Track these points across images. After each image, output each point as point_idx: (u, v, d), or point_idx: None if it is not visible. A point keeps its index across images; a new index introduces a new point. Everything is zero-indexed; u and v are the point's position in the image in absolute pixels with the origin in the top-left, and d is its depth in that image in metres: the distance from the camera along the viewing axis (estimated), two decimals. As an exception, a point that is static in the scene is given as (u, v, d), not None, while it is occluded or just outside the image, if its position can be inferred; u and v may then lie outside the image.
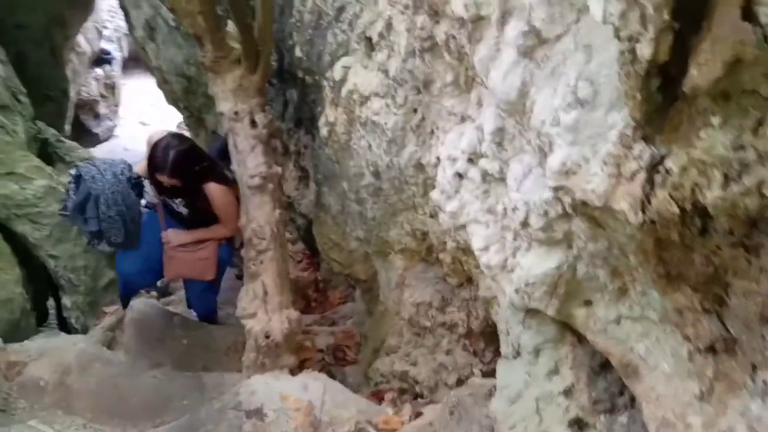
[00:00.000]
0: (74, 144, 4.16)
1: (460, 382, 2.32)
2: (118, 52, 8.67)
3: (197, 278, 3.02)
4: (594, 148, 1.05)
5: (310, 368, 2.83)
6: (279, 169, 2.58)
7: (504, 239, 1.62)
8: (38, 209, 2.78)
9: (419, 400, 2.43)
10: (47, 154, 3.78)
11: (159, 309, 2.98)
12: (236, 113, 2.54)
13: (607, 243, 1.26)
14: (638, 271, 1.22)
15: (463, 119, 1.69)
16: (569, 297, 1.49)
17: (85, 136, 7.73)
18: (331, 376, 2.89)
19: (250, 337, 2.28)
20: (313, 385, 2.16)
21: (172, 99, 5.60)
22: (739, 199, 0.83)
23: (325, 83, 2.42)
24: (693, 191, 0.87)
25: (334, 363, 2.99)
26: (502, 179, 1.57)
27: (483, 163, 1.62)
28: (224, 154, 2.80)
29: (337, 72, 2.25)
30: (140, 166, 2.87)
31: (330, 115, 2.31)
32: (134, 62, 8.74)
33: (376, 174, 2.22)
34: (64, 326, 3.09)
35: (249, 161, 2.49)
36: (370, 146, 2.16)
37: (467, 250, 1.91)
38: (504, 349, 1.85)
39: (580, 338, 1.59)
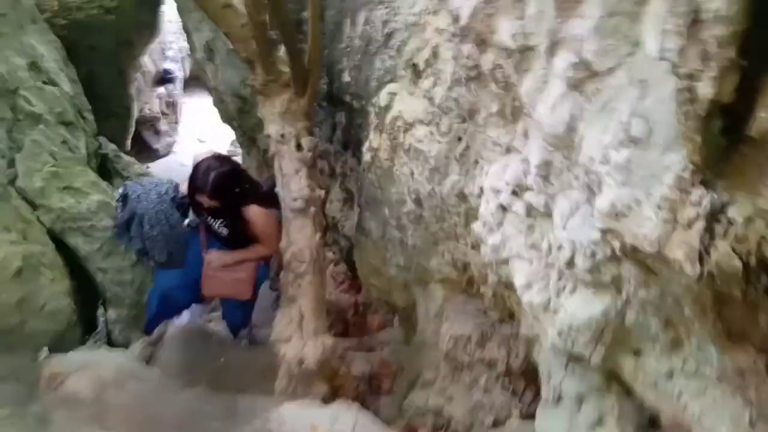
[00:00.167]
0: (132, 159, 4.33)
1: (497, 423, 2.21)
2: (180, 72, 9.06)
3: (234, 297, 3.03)
4: (647, 190, 0.97)
5: (345, 396, 2.78)
6: (322, 193, 2.58)
7: (548, 278, 1.53)
8: (91, 223, 2.89)
9: (454, 438, 2.33)
10: (106, 168, 3.96)
11: (199, 327, 3.01)
12: (282, 136, 2.57)
13: (661, 291, 1.17)
14: (694, 324, 1.11)
15: (509, 150, 1.63)
16: (617, 345, 1.39)
17: (145, 151, 8.08)
18: (365, 405, 2.82)
19: (283, 363, 2.26)
20: (345, 416, 2.11)
21: (227, 118, 5.78)
22: (815, 258, 0.74)
23: (370, 109, 2.41)
24: (759, 245, 0.78)
25: (369, 392, 2.92)
26: (548, 214, 1.49)
27: (528, 196, 1.55)
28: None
29: (382, 98, 2.24)
30: (185, 186, 2.93)
31: (374, 141, 2.30)
32: (195, 81, 9.11)
33: (418, 201, 2.17)
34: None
35: (292, 184, 2.50)
36: (412, 173, 2.12)
37: (509, 285, 1.83)
38: (545, 392, 1.74)
39: (628, 389, 1.48)
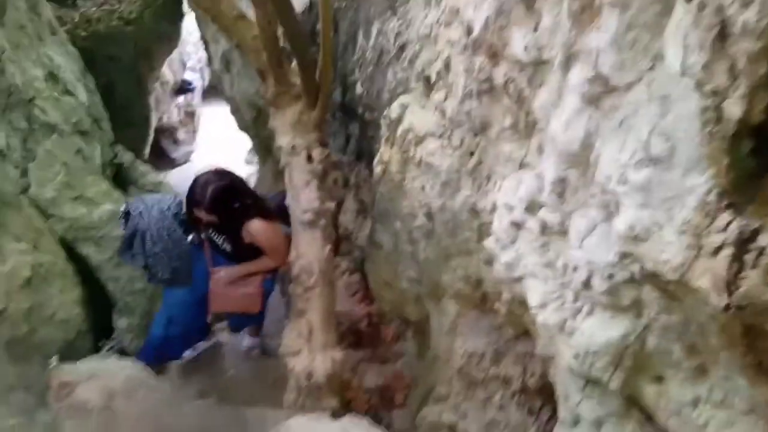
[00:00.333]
0: (147, 168, 4.36)
1: (512, 443, 2.13)
2: (199, 82, 9.15)
3: (245, 312, 2.97)
4: (669, 213, 0.91)
5: (356, 409, 2.72)
6: (332, 205, 2.54)
7: (564, 298, 1.47)
8: (103, 232, 2.90)
9: (467, 457, 2.26)
10: (122, 177, 3.98)
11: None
12: (293, 147, 2.54)
13: (684, 317, 1.10)
14: (721, 353, 1.04)
15: (522, 166, 1.57)
16: (637, 370, 1.32)
17: (164, 159, 8.15)
18: (378, 419, 2.77)
19: (291, 377, 2.22)
20: (354, 431, 2.06)
21: (243, 127, 5.82)
22: None
23: (382, 121, 2.38)
24: (793, 276, 0.72)
25: (381, 405, 2.86)
26: (563, 233, 1.43)
27: (542, 213, 1.49)
28: (282, 211, 2.75)
29: (394, 110, 2.20)
30: None
31: (384, 154, 2.26)
32: (213, 91, 9.20)
33: (429, 216, 2.12)
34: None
35: (302, 196, 2.47)
36: (423, 188, 2.07)
37: (524, 303, 1.77)
38: (562, 413, 1.68)
39: (649, 416, 1.41)
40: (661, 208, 0.92)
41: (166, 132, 8.29)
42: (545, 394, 2.14)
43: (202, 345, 3.22)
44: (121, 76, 5.92)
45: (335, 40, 2.98)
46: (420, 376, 2.83)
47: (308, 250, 2.38)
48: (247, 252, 2.85)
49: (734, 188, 0.77)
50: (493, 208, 1.73)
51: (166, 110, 8.16)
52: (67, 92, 3.49)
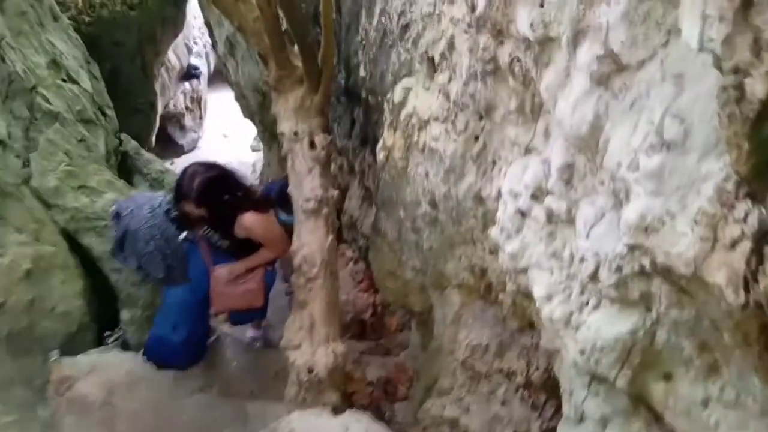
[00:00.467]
0: (153, 156, 4.31)
1: (516, 438, 2.09)
2: (204, 67, 9.10)
3: (248, 308, 2.90)
4: (682, 202, 0.84)
5: (359, 401, 2.69)
6: (335, 193, 2.48)
7: (570, 290, 1.41)
8: (105, 223, 2.86)
9: (470, 451, 2.22)
10: (127, 165, 3.94)
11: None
12: (296, 133, 2.48)
13: (696, 313, 1.03)
14: (735, 351, 0.98)
15: (528, 150, 1.50)
16: (645, 367, 1.26)
17: (171, 146, 8.14)
18: (380, 411, 2.74)
19: (292, 371, 2.18)
20: (355, 427, 2.02)
21: (249, 113, 5.75)
22: None
23: (385, 105, 2.31)
24: (820, 273, 0.66)
25: (384, 398, 2.83)
26: (570, 222, 1.37)
27: (548, 201, 1.43)
28: (284, 197, 2.65)
29: (397, 94, 2.13)
30: None
31: (387, 139, 2.19)
32: (219, 76, 9.15)
33: (433, 203, 2.06)
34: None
35: (305, 183, 2.41)
36: (427, 174, 2.01)
37: (528, 295, 1.71)
38: (566, 409, 1.62)
39: (657, 415, 1.35)
40: (674, 197, 0.85)
41: (172, 119, 8.26)
42: (549, 389, 2.09)
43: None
44: (126, 62, 5.89)
45: (337, 21, 2.90)
46: (423, 367, 2.79)
47: (311, 239, 2.33)
48: (246, 246, 2.78)
49: (755, 176, 0.70)
50: (498, 195, 1.66)
51: (173, 96, 8.12)
52: (70, 79, 3.44)
